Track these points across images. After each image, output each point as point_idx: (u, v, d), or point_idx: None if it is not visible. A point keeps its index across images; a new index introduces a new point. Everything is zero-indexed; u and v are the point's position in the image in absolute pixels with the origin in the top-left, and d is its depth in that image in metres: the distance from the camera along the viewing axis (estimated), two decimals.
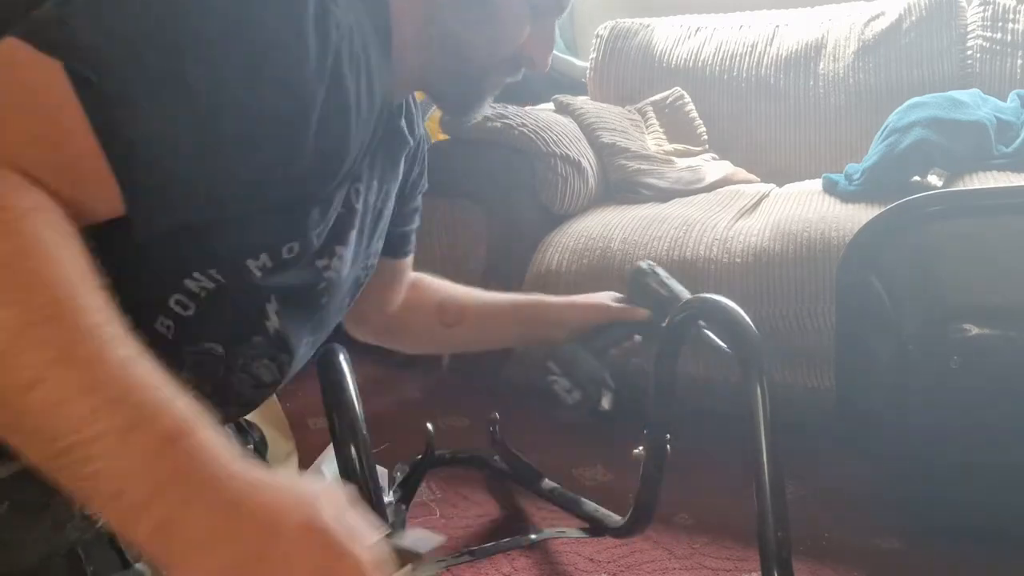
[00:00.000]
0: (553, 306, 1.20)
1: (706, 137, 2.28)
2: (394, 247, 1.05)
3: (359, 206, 0.78)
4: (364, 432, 0.79)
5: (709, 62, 2.34)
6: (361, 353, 2.54)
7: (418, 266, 1.20)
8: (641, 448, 1.17)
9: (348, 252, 0.78)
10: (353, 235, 0.79)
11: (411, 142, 0.87)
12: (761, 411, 0.87)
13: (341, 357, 0.85)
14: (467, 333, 1.16)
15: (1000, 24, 2.12)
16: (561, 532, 1.45)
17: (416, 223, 1.13)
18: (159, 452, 0.46)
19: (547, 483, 1.54)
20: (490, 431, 1.66)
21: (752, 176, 2.20)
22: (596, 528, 1.41)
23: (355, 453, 0.78)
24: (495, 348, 1.27)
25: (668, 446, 1.14)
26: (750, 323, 0.92)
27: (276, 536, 0.46)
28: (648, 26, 2.47)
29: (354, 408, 0.80)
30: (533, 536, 1.44)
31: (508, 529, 1.48)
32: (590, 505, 1.45)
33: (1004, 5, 2.12)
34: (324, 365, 0.85)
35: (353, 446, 0.78)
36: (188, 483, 0.46)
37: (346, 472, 0.78)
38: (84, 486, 0.45)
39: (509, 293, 1.24)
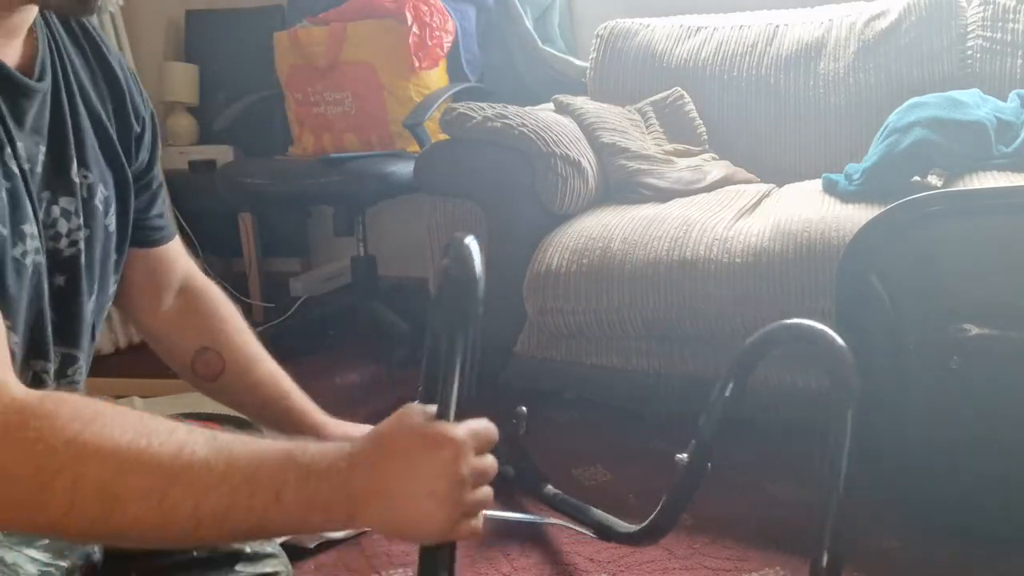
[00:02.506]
0: (315, 428, 1.06)
1: (706, 137, 2.28)
2: (136, 236, 0.94)
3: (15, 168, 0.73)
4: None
5: (709, 62, 2.34)
6: (361, 353, 2.55)
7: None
8: (685, 456, 1.12)
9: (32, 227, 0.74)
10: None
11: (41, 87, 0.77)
12: (848, 437, 0.86)
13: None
14: (219, 391, 1.03)
15: (1000, 24, 2.11)
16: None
17: (156, 208, 0.97)
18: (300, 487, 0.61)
19: (551, 489, 1.52)
20: (513, 423, 1.55)
21: (752, 176, 2.20)
22: (607, 533, 1.36)
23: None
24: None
25: (708, 466, 1.11)
26: (847, 349, 0.92)
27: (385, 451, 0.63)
28: (648, 26, 2.47)
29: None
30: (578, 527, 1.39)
31: (508, 529, 1.48)
32: (599, 514, 1.40)
33: (1004, 5, 2.12)
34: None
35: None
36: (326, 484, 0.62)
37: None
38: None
39: (284, 381, 1.06)
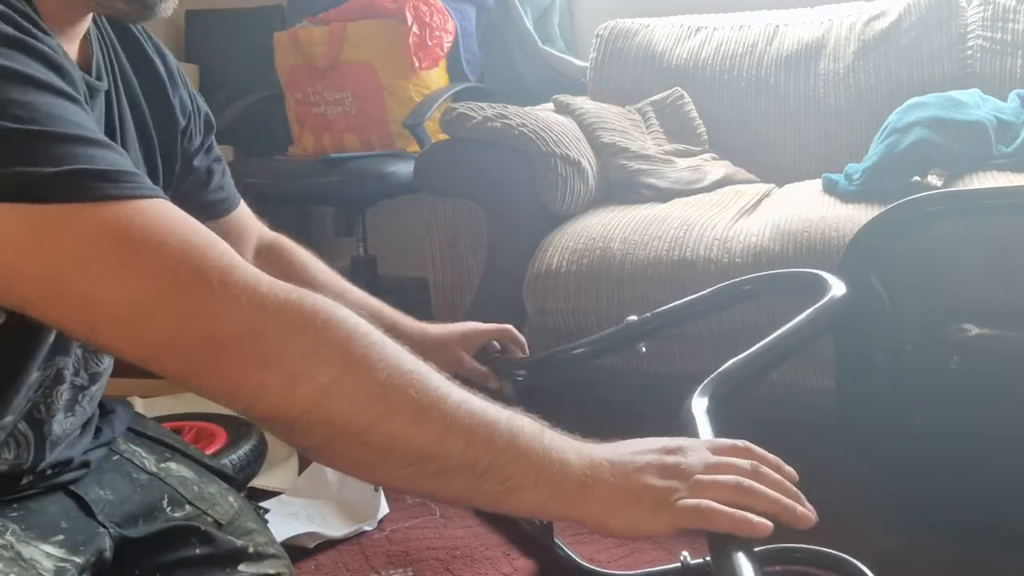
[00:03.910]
0: (428, 339, 1.14)
1: (706, 137, 2.28)
2: (205, 208, 1.00)
3: None
4: None
5: (709, 62, 2.34)
6: None
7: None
8: None
9: None
10: None
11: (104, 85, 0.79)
12: None
13: None
14: None
15: (1000, 24, 2.11)
16: None
17: (215, 182, 1.02)
18: (533, 459, 0.63)
19: None
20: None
21: (752, 176, 2.20)
22: None
23: None
24: None
25: None
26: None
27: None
28: (648, 26, 2.47)
29: None
30: None
31: (507, 528, 1.48)
32: None
33: (1004, 5, 2.12)
34: None
35: None
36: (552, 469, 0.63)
37: None
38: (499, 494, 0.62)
39: (376, 301, 1.14)
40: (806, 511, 0.63)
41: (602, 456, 0.65)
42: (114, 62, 0.82)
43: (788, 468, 0.67)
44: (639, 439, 0.68)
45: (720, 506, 0.61)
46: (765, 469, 0.65)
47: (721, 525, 0.60)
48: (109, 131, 0.80)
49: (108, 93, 0.80)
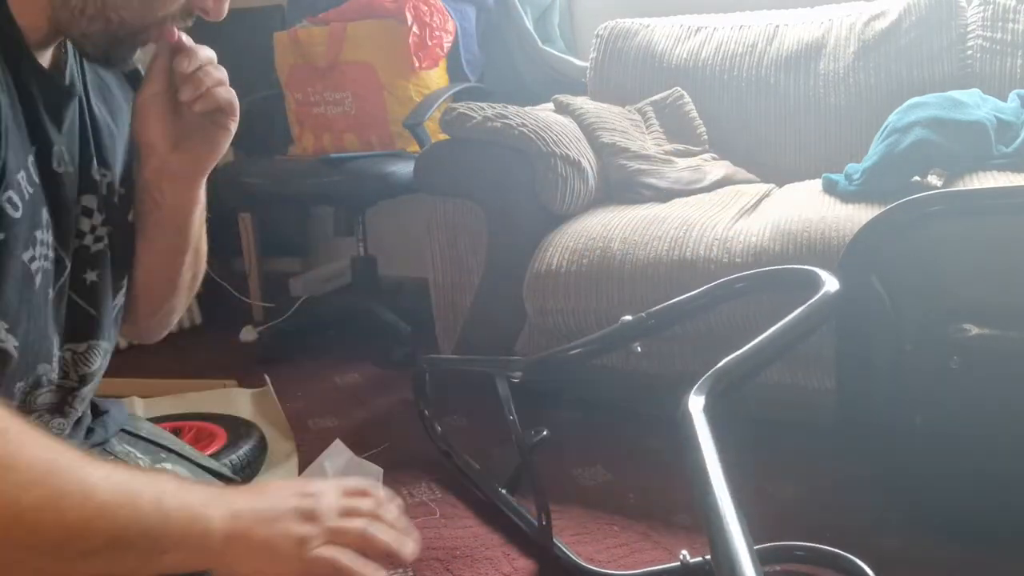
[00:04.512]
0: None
1: (706, 137, 2.28)
2: None
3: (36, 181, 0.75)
4: None
5: (709, 62, 2.34)
6: (361, 353, 2.54)
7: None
8: None
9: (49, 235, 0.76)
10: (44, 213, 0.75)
11: (77, 92, 0.80)
12: None
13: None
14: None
15: (1000, 24, 2.11)
16: None
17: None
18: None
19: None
20: None
21: (752, 176, 2.20)
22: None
23: None
24: None
25: None
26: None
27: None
28: (648, 26, 2.47)
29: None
30: None
31: (510, 528, 1.48)
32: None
33: (1004, 5, 2.12)
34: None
35: None
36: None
37: None
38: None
39: None
40: (410, 545, 0.72)
41: (245, 506, 0.67)
42: (84, 65, 0.83)
43: (395, 502, 0.75)
44: (280, 482, 0.74)
45: (350, 563, 0.67)
46: (383, 511, 0.72)
47: None
48: (83, 135, 0.80)
49: (82, 98, 0.80)
